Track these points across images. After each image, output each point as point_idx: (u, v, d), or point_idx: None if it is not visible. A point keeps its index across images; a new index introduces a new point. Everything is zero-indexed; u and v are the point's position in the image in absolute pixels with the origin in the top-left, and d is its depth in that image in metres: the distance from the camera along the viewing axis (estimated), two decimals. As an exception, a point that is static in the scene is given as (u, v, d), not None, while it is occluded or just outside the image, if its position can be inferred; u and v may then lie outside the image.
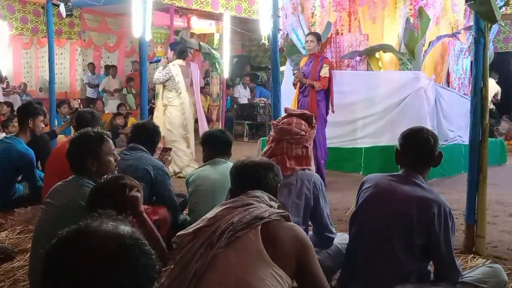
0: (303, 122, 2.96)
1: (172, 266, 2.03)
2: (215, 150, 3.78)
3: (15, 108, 10.72)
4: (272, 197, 2.19)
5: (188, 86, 7.09)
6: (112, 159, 2.79)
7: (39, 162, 5.15)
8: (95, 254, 1.06)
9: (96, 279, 1.04)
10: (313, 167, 3.06)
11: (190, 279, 1.91)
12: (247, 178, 2.27)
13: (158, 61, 7.26)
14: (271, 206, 2.10)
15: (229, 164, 3.69)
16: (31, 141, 5.01)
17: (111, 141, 2.82)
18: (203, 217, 2.08)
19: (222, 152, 3.77)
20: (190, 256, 1.95)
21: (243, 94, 12.89)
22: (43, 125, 5.25)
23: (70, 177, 2.80)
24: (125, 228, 1.13)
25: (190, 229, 2.04)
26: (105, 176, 2.67)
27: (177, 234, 2.07)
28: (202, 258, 1.92)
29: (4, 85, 12.11)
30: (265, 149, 3.06)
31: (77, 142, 2.78)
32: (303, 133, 2.92)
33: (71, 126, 6.03)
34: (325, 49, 7.85)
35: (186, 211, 4.21)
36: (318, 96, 6.22)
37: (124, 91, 12.73)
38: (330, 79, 6.21)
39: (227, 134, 3.97)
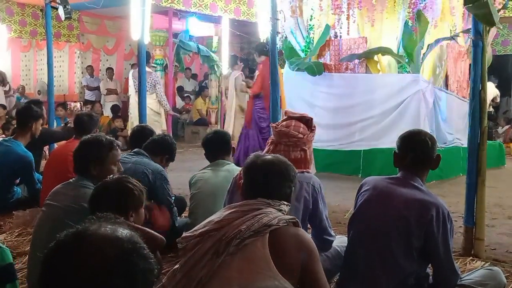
0: (301, 125, 2.95)
1: (175, 269, 2.01)
2: (214, 151, 3.79)
3: (8, 110, 10.78)
4: (284, 202, 2.14)
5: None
6: (115, 168, 2.85)
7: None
8: (93, 259, 1.05)
9: (93, 284, 1.03)
10: (313, 170, 3.06)
11: (194, 286, 1.89)
12: (258, 184, 2.17)
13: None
14: (280, 210, 2.07)
15: (231, 166, 3.69)
16: (30, 143, 5.01)
17: (119, 151, 2.89)
18: (209, 219, 2.05)
19: (221, 152, 3.78)
20: (194, 261, 1.93)
21: (242, 97, 12.89)
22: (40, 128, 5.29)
23: (71, 179, 2.82)
24: (123, 232, 1.12)
25: (196, 231, 2.01)
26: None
27: (182, 236, 2.05)
28: (208, 265, 1.90)
29: (7, 88, 12.09)
30: (263, 152, 3.06)
31: (86, 144, 2.84)
32: (300, 135, 2.91)
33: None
34: (323, 52, 7.86)
35: (184, 214, 4.21)
36: (255, 102, 6.77)
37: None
38: (262, 84, 6.68)
39: (221, 133, 3.97)
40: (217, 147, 3.80)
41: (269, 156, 2.30)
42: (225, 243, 1.91)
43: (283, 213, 2.08)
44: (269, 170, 2.20)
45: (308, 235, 2.09)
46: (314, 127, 3.01)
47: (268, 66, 6.80)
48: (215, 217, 2.05)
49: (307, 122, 2.99)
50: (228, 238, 1.91)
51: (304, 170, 2.91)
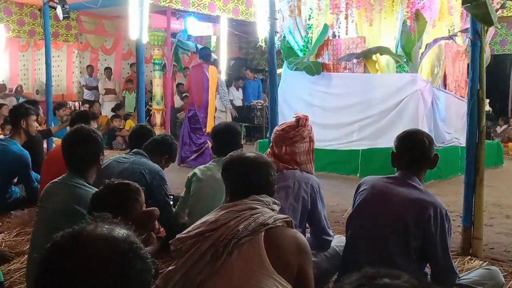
0: (289, 123, 2.98)
1: (170, 269, 2.00)
2: (222, 145, 3.61)
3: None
4: (275, 200, 2.13)
5: None
6: None
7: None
8: (89, 260, 1.04)
9: (89, 284, 1.03)
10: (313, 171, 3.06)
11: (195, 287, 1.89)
12: (250, 180, 2.13)
13: None
14: (273, 209, 2.07)
15: None
16: (26, 141, 5.00)
17: None
18: (204, 219, 2.03)
19: (230, 147, 3.43)
20: (192, 263, 1.92)
21: (236, 97, 12.88)
22: (37, 125, 5.24)
23: (61, 176, 2.78)
24: (120, 232, 1.11)
25: (190, 232, 1.99)
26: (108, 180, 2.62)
27: (176, 237, 2.02)
28: (208, 268, 1.89)
29: None
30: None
31: (90, 140, 2.81)
32: (278, 133, 2.97)
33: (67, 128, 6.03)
34: (322, 51, 7.86)
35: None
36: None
37: (124, 93, 12.72)
38: (188, 83, 8.13)
39: (233, 126, 3.79)
40: (227, 141, 3.61)
41: (252, 154, 2.25)
42: (224, 245, 1.90)
43: (275, 212, 2.07)
44: (255, 165, 2.17)
45: (305, 239, 2.09)
46: (301, 126, 2.96)
47: (198, 69, 8.04)
48: (209, 217, 2.02)
49: (297, 121, 2.99)
50: (227, 239, 1.90)
51: (284, 166, 2.90)
